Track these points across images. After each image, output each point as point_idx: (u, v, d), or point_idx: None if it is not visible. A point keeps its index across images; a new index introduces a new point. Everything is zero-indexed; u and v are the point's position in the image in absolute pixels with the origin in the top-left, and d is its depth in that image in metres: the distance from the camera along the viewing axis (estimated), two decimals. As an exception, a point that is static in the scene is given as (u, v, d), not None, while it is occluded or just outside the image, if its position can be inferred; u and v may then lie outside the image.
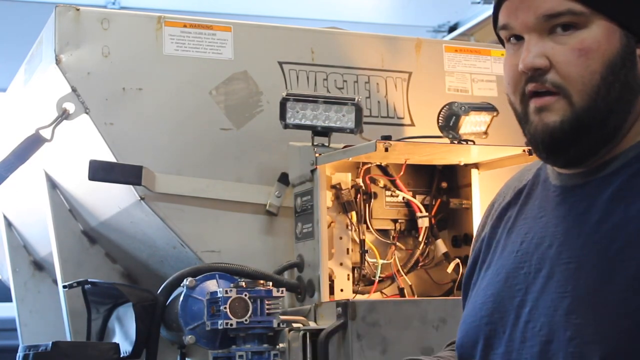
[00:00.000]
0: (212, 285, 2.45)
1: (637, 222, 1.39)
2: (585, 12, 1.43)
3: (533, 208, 1.57)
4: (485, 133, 2.62)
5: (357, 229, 2.65)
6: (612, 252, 1.39)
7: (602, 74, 1.44)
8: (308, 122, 2.59)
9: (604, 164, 1.49)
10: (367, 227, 2.69)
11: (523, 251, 1.53)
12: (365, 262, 2.65)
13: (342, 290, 2.62)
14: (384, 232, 2.74)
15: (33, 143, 2.70)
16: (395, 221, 2.76)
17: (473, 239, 1.74)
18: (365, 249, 2.65)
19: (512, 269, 1.53)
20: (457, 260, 2.74)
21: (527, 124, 1.50)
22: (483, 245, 1.65)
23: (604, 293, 1.38)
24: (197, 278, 2.45)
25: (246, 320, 2.32)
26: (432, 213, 2.78)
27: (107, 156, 2.67)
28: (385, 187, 2.76)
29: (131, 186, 2.67)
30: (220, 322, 2.32)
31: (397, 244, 2.74)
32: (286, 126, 2.60)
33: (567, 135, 1.45)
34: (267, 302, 2.35)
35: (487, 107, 2.63)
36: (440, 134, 2.61)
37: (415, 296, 2.73)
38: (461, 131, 2.58)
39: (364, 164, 2.70)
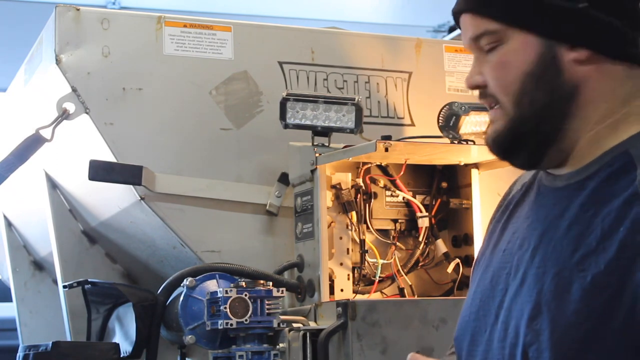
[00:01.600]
0: (212, 285, 2.45)
1: (598, 232, 1.39)
2: (500, 29, 1.50)
3: (525, 208, 1.58)
4: (485, 133, 2.62)
5: (357, 229, 2.65)
6: (574, 260, 1.40)
7: (521, 84, 1.49)
8: (308, 122, 2.59)
9: (583, 168, 1.49)
10: (367, 227, 2.69)
11: (508, 251, 1.55)
12: (365, 262, 2.65)
13: (342, 290, 2.62)
14: (384, 232, 2.74)
15: (33, 143, 2.70)
16: (395, 221, 2.76)
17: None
18: (365, 249, 2.65)
19: (498, 269, 1.55)
20: (457, 260, 2.74)
21: None
22: (486, 238, 1.67)
23: (560, 301, 1.39)
24: (197, 278, 2.45)
25: (246, 320, 2.32)
26: (432, 213, 2.78)
27: (107, 156, 2.67)
28: (385, 187, 2.76)
29: (131, 186, 2.67)
30: (220, 322, 2.32)
31: (397, 244, 2.74)
32: (286, 126, 2.60)
33: (506, 143, 1.53)
34: (267, 302, 2.35)
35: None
36: (440, 134, 2.61)
37: (415, 296, 2.73)
38: (461, 131, 2.58)
39: (364, 164, 2.70)
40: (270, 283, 2.40)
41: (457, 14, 1.57)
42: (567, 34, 1.47)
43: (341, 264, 2.63)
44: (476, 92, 1.59)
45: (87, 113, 2.67)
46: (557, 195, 1.50)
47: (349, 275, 2.64)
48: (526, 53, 1.48)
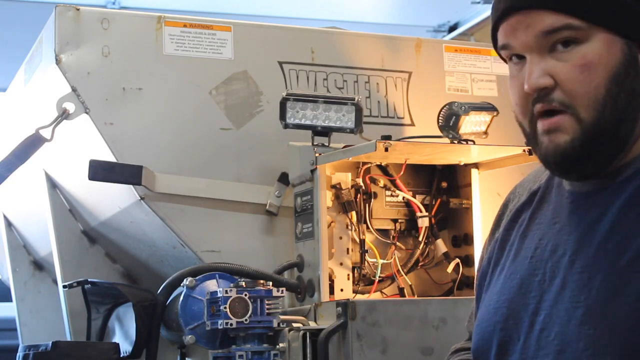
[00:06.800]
0: (212, 285, 2.45)
1: None
2: (583, 26, 1.42)
3: (547, 213, 1.56)
4: (485, 133, 2.62)
5: (357, 229, 2.65)
6: (623, 263, 1.39)
7: (606, 87, 1.43)
8: (308, 122, 2.59)
9: (617, 171, 1.48)
10: (367, 227, 2.69)
11: (537, 257, 1.52)
12: (365, 262, 2.65)
13: (342, 290, 2.62)
14: (384, 232, 2.74)
15: (33, 143, 2.70)
16: (395, 221, 2.76)
17: (487, 237, 1.73)
18: (365, 248, 2.65)
19: (526, 276, 1.53)
20: (457, 260, 2.74)
21: (536, 145, 1.50)
22: (496, 246, 1.64)
23: (615, 304, 1.37)
24: (197, 278, 2.45)
25: (246, 320, 2.32)
26: (432, 213, 2.78)
27: (107, 156, 2.67)
28: (385, 187, 2.76)
29: (131, 186, 2.67)
30: (220, 322, 2.32)
31: (397, 243, 2.74)
32: (286, 126, 2.60)
33: (578, 153, 1.45)
34: (267, 302, 2.35)
35: (487, 107, 2.63)
36: (440, 134, 2.61)
37: (415, 296, 2.73)
38: (461, 131, 2.57)
39: (364, 163, 2.70)
40: (270, 283, 2.40)
41: (517, 10, 1.46)
42: None
43: (341, 264, 2.63)
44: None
45: (87, 113, 2.67)
46: (591, 200, 1.48)
47: (348, 275, 2.64)
48: (611, 54, 1.43)
